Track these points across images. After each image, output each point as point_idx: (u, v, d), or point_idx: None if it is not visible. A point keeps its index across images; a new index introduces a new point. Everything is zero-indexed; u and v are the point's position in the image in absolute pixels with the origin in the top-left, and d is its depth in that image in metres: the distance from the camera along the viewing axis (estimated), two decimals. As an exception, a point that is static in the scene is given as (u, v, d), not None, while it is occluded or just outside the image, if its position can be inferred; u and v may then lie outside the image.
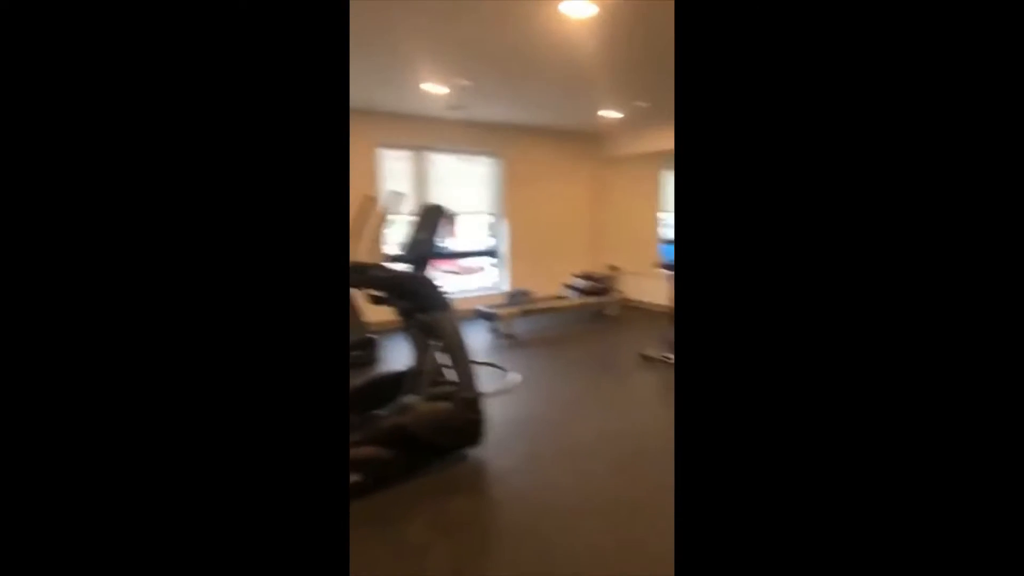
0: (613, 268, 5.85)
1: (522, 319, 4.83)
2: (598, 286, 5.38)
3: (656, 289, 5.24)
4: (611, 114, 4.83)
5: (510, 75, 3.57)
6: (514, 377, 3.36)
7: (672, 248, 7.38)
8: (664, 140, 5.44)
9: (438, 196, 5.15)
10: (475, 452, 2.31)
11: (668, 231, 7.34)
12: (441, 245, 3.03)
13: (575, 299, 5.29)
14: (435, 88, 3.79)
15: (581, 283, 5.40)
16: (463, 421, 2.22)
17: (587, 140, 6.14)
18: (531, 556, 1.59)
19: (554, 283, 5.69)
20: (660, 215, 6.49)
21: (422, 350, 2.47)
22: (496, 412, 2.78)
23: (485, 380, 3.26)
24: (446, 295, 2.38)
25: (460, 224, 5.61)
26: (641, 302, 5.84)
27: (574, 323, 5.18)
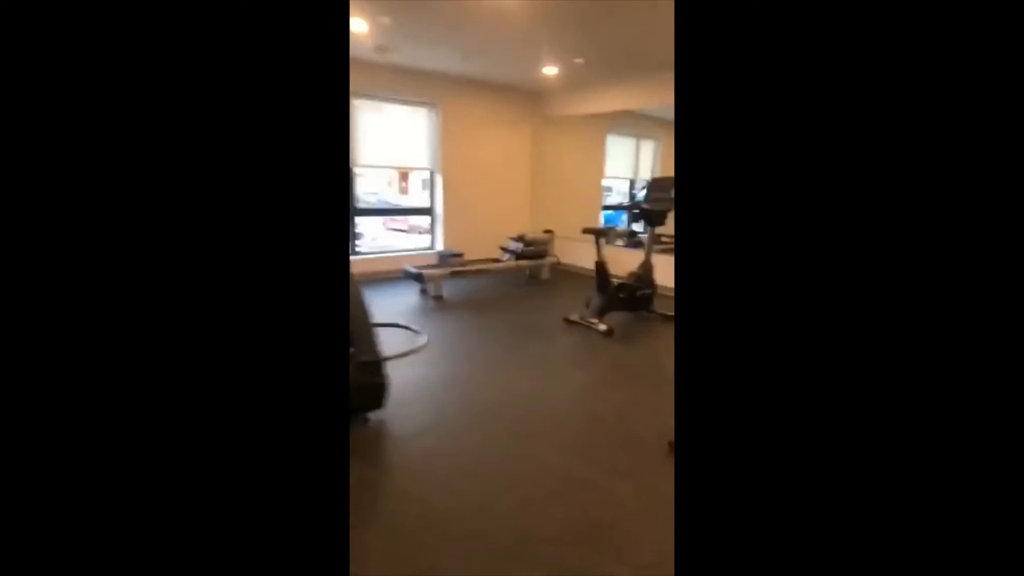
0: (547, 231, 5.80)
1: (452, 281, 4.72)
2: (533, 249, 5.33)
3: (588, 253, 5.27)
4: (550, 70, 4.65)
5: (440, 17, 3.29)
6: (422, 339, 3.28)
7: (612, 214, 7.46)
8: (608, 102, 5.34)
9: (370, 148, 4.84)
10: (379, 416, 2.22)
11: (611, 197, 7.37)
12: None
13: (508, 262, 5.22)
14: (354, 23, 3.45)
15: (516, 246, 5.33)
16: (361, 384, 2.12)
17: (530, 97, 5.93)
18: (412, 521, 1.55)
19: (490, 245, 5.58)
20: (603, 180, 6.46)
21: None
22: (408, 375, 2.70)
23: (396, 342, 3.17)
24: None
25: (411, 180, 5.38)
26: (573, 266, 5.88)
27: (505, 286, 5.13)
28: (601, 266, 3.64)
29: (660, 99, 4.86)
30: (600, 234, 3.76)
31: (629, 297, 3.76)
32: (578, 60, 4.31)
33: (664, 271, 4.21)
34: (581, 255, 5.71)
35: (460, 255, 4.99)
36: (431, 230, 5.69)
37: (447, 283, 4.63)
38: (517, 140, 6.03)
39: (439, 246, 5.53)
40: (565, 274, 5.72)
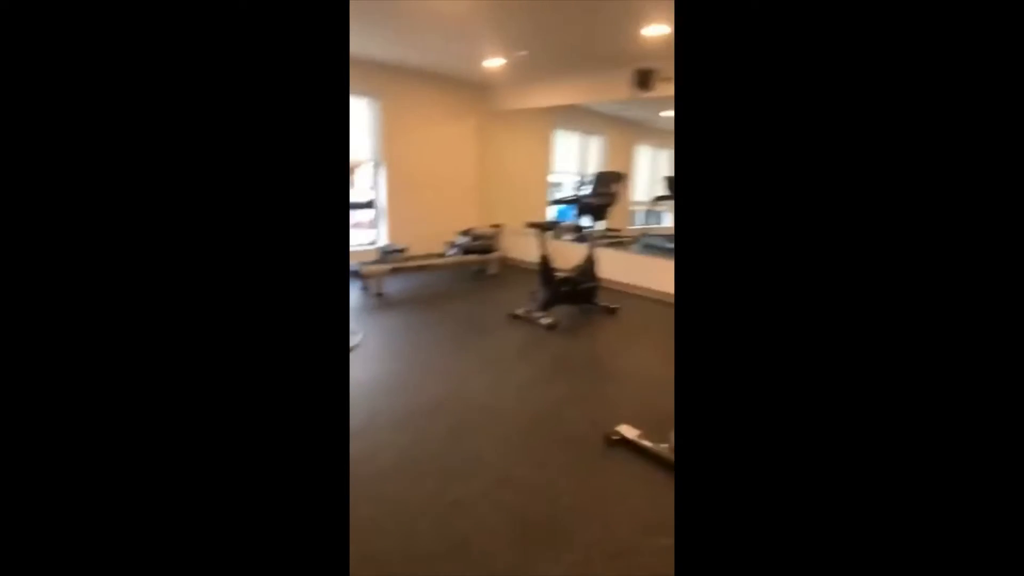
0: (496, 226, 5.76)
1: (398, 277, 4.58)
2: (480, 244, 5.26)
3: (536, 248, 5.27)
4: (495, 62, 4.58)
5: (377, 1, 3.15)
6: (356, 336, 3.15)
7: (564, 209, 7.49)
8: (553, 96, 5.34)
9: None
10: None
11: (557, 191, 7.41)
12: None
13: (454, 257, 5.13)
14: None
15: (464, 240, 5.24)
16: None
17: (475, 90, 5.84)
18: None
19: (437, 239, 5.46)
20: (552, 175, 6.47)
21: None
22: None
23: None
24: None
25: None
26: (521, 261, 5.86)
27: (452, 281, 5.05)
28: (545, 260, 3.63)
29: (606, 94, 4.91)
30: (544, 228, 3.75)
31: (572, 291, 3.78)
32: (522, 52, 4.27)
33: (607, 264, 4.26)
34: (529, 250, 5.70)
35: (404, 249, 4.84)
36: (375, 224, 5.49)
37: (390, 279, 4.48)
38: (463, 133, 5.92)
39: (384, 240, 5.35)
40: (513, 269, 5.70)
